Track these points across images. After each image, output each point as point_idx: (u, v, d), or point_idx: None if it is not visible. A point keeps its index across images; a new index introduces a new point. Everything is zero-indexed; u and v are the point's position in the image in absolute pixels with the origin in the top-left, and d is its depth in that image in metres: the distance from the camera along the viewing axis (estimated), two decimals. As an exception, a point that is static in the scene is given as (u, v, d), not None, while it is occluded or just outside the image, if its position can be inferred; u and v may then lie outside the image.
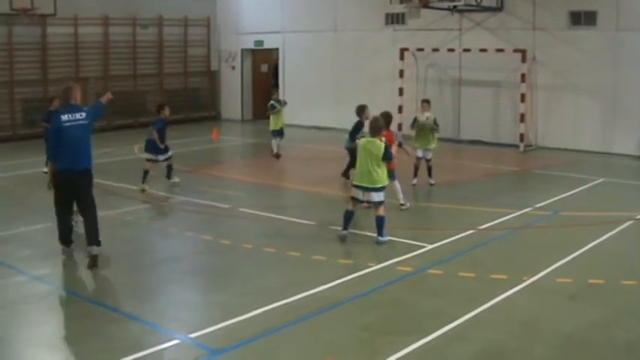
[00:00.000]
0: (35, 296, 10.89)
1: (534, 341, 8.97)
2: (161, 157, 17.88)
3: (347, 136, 17.57)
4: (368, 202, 13.43)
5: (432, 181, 18.52)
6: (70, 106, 12.32)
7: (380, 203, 13.21)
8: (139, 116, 29.77)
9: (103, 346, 8.97)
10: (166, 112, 18.20)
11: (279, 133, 22.28)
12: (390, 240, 13.15)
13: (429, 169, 18.50)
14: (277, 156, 22.22)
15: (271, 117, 22.29)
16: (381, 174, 13.19)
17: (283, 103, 22.18)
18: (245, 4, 32.51)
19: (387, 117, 15.20)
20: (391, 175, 14.88)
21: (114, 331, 9.45)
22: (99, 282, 11.55)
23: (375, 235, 13.26)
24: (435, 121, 18.66)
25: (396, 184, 15.43)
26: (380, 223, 13.19)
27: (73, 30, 28.57)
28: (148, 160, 17.71)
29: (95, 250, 12.06)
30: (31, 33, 27.37)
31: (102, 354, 8.73)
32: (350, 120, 17.73)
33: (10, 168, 20.24)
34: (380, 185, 13.18)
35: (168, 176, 18.22)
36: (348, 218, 13.43)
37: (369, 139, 13.32)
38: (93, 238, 12.14)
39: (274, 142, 22.30)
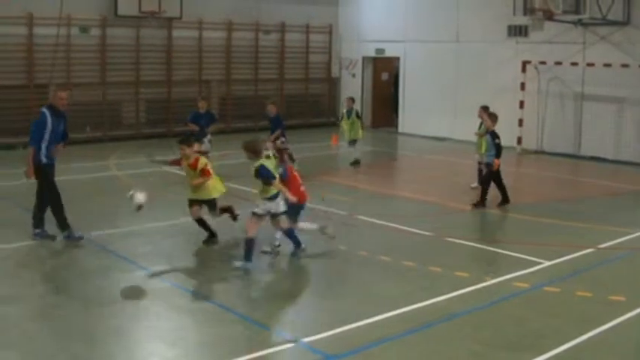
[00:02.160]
0: (154, 292, 11.19)
1: (652, 366, 8.82)
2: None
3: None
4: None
5: (474, 184, 18.68)
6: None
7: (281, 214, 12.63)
8: (260, 120, 30.12)
9: (217, 345, 9.20)
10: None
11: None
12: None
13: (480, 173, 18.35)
14: (355, 163, 22.71)
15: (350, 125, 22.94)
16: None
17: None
18: (367, 12, 32.61)
19: None
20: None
21: (228, 330, 9.66)
22: (215, 281, 11.81)
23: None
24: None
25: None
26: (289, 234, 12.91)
27: (197, 34, 29.19)
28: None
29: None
30: (157, 35, 28.12)
31: (216, 352, 8.96)
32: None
33: (134, 165, 20.80)
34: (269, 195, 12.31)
35: None
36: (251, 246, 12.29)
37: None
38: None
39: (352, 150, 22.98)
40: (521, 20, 25.93)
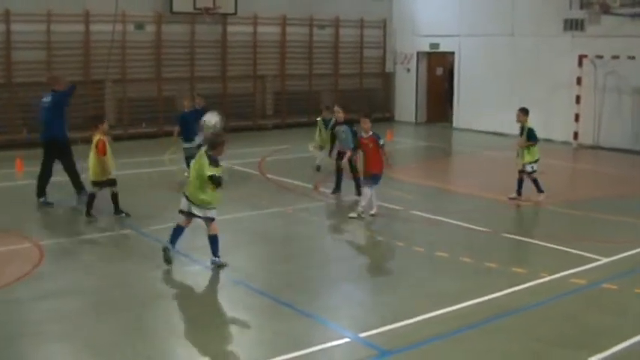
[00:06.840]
0: (209, 286, 11.31)
1: None
2: None
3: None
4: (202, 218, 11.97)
5: (540, 198, 16.76)
6: (50, 92, 16.09)
7: (212, 220, 11.99)
8: (314, 115, 30.14)
9: (273, 339, 9.26)
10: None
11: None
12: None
13: (533, 183, 16.87)
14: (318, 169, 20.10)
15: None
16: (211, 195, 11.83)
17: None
18: (421, 7, 32.44)
19: None
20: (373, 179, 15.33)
21: (285, 325, 9.72)
22: (272, 276, 11.83)
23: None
24: (529, 132, 17.06)
25: (367, 190, 15.32)
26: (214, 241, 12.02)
27: (252, 29, 29.27)
28: None
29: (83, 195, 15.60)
30: (212, 31, 28.28)
31: (272, 347, 8.99)
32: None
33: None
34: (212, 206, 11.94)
35: None
36: (179, 233, 12.12)
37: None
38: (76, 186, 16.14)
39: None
40: (578, 14, 25.72)
